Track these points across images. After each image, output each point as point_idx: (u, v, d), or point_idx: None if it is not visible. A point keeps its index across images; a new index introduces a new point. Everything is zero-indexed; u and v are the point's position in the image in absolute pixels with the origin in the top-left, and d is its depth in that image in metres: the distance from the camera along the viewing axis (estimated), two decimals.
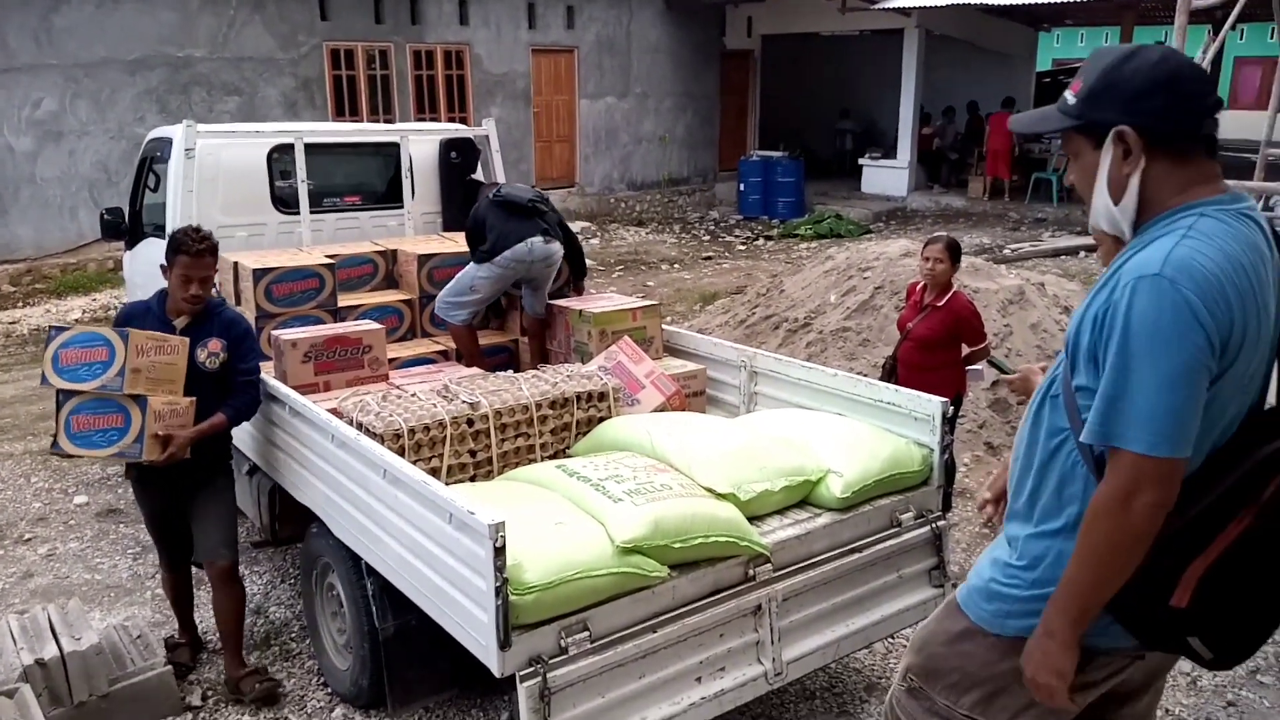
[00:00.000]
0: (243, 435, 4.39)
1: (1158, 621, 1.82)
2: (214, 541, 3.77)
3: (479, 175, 6.10)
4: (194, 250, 3.57)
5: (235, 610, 3.81)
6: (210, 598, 4.00)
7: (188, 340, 3.59)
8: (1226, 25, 4.79)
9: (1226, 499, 1.76)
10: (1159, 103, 1.78)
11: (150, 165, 5.80)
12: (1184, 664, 3.92)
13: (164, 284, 3.68)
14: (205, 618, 4.35)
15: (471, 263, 5.00)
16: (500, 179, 6.11)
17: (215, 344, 3.67)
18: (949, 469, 3.57)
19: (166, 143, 5.37)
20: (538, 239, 4.93)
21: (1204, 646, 1.83)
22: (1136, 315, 1.68)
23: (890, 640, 3.97)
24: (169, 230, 5.16)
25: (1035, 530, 1.93)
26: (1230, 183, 1.90)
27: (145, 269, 5.74)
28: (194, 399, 3.60)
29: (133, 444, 3.48)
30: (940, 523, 3.53)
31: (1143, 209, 1.83)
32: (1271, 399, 1.88)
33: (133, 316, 3.67)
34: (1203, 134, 1.81)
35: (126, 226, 6.01)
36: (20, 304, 10.89)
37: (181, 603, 4.07)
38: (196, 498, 3.79)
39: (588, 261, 5.82)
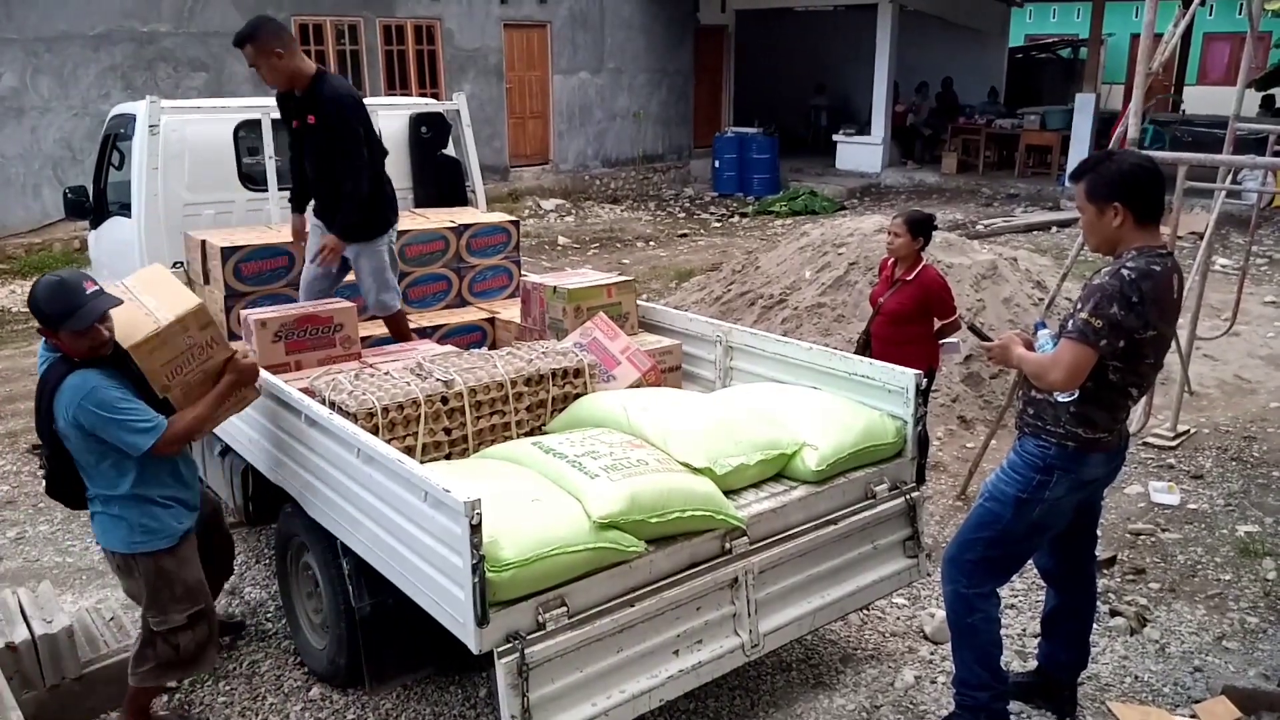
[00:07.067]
0: None
1: None
2: None
3: (450, 151, 6.03)
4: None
5: None
6: None
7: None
8: (1196, 1, 4.81)
9: None
10: None
11: (114, 142, 5.68)
12: (1152, 632, 3.98)
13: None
14: None
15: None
16: (472, 155, 6.04)
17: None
18: (923, 441, 3.60)
19: (130, 119, 5.27)
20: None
21: None
22: None
23: (865, 611, 4.01)
24: (135, 210, 5.07)
25: None
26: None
27: (111, 248, 5.64)
28: None
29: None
30: (914, 494, 3.56)
31: None
32: None
33: None
34: None
35: (91, 205, 5.89)
36: None
37: None
38: None
39: (561, 239, 5.69)
